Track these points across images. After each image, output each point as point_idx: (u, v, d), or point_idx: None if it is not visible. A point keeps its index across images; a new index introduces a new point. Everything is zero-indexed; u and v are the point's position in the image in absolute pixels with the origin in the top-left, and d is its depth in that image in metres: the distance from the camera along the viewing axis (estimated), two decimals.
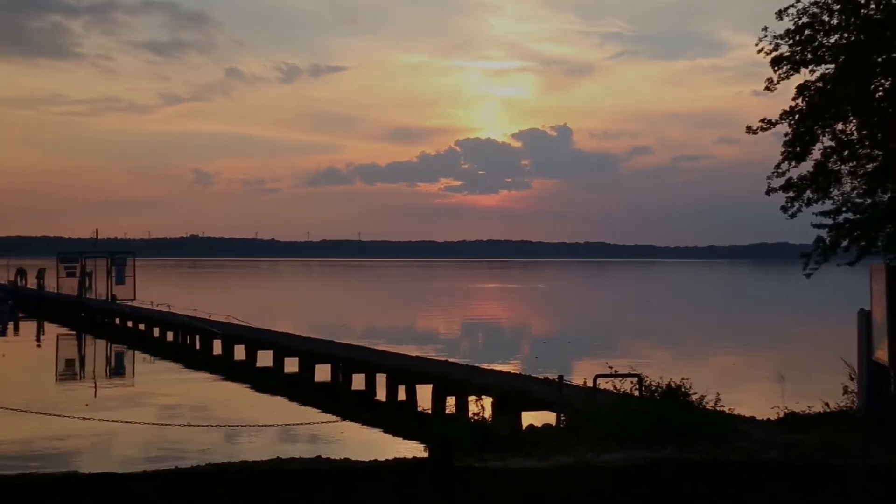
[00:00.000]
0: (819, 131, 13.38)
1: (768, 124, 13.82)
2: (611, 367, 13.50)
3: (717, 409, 11.72)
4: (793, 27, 13.29)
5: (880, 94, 12.75)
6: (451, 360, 24.79)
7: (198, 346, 33.86)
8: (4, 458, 15.69)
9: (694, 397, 11.60)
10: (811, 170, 13.50)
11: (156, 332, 39.32)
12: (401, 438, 18.52)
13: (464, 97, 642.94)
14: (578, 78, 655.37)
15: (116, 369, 32.80)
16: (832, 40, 13.14)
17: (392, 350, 27.24)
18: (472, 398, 15.49)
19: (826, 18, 13.09)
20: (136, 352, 35.98)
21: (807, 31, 13.19)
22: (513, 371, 22.54)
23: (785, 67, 13.53)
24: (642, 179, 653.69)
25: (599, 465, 9.47)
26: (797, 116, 13.45)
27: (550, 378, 17.76)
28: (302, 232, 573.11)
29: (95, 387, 26.82)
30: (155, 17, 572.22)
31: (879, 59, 12.54)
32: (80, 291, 52.24)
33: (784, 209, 13.71)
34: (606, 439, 10.77)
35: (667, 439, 10.41)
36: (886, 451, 9.93)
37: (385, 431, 19.63)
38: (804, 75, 13.52)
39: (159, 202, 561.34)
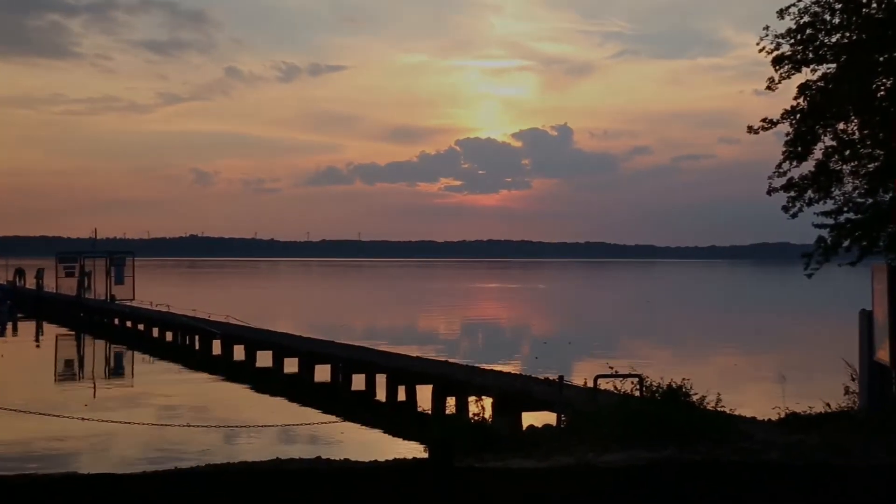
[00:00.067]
0: (820, 131, 13.35)
1: (769, 124, 13.79)
2: (611, 368, 13.47)
3: (718, 409, 11.71)
4: (794, 26, 13.26)
5: (882, 93, 12.72)
6: (451, 360, 24.75)
7: (197, 347, 33.81)
8: (3, 459, 15.64)
9: (695, 398, 11.59)
10: (812, 169, 13.47)
11: (155, 332, 39.27)
12: (401, 439, 18.50)
13: (464, 97, 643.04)
14: (579, 77, 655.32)
15: (115, 370, 32.75)
16: (834, 39, 13.12)
17: (392, 350, 27.20)
18: (472, 399, 15.46)
19: (827, 17, 13.07)
20: (135, 352, 35.93)
21: (808, 31, 13.16)
22: (513, 371, 22.52)
23: (786, 67, 13.50)
24: (643, 179, 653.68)
25: (600, 466, 9.44)
26: (798, 116, 13.42)
27: (551, 378, 17.74)
28: (301, 232, 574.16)
29: (94, 387, 26.78)
30: (154, 16, 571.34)
31: (881, 59, 12.52)
32: (78, 291, 52.17)
33: (785, 209, 13.68)
34: (607, 440, 10.75)
35: (668, 440, 10.39)
36: (888, 452, 9.90)
37: (385, 432, 19.59)
38: (805, 74, 13.52)
39: (158, 202, 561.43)
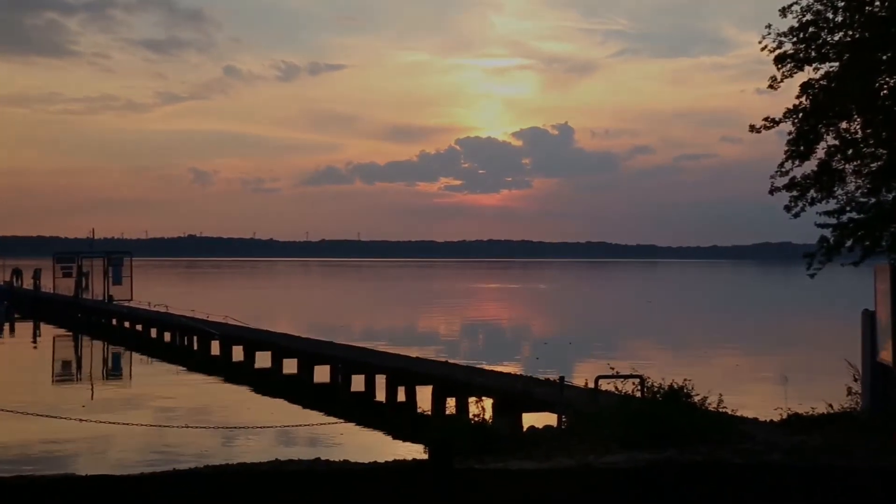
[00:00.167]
0: (823, 130, 13.26)
1: (772, 123, 13.70)
2: (612, 368, 13.44)
3: (720, 410, 11.70)
4: (797, 24, 13.17)
5: (885, 92, 12.64)
6: (451, 361, 24.68)
7: (195, 347, 33.76)
8: (1, 461, 15.57)
9: (696, 398, 11.57)
10: (815, 169, 13.37)
11: (153, 332, 39.23)
12: (401, 440, 18.47)
13: (464, 96, 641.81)
14: (580, 76, 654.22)
15: (113, 370, 32.72)
16: (836, 38, 13.03)
17: (392, 351, 27.17)
18: (472, 399, 15.38)
19: (830, 16, 12.98)
20: (133, 353, 35.91)
21: (811, 29, 13.07)
22: (513, 372, 22.47)
23: (789, 65, 13.41)
24: (644, 178, 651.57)
25: (601, 467, 9.41)
26: (801, 115, 13.33)
27: (551, 379, 17.69)
28: (301, 232, 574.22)
29: (92, 388, 26.75)
30: (152, 14, 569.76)
31: (884, 57, 12.44)
32: (76, 292, 52.15)
33: (787, 209, 13.59)
34: (608, 441, 10.71)
35: (669, 441, 10.35)
36: (890, 453, 9.84)
37: (385, 433, 19.55)
38: (808, 73, 13.41)
39: (156, 202, 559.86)
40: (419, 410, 21.20)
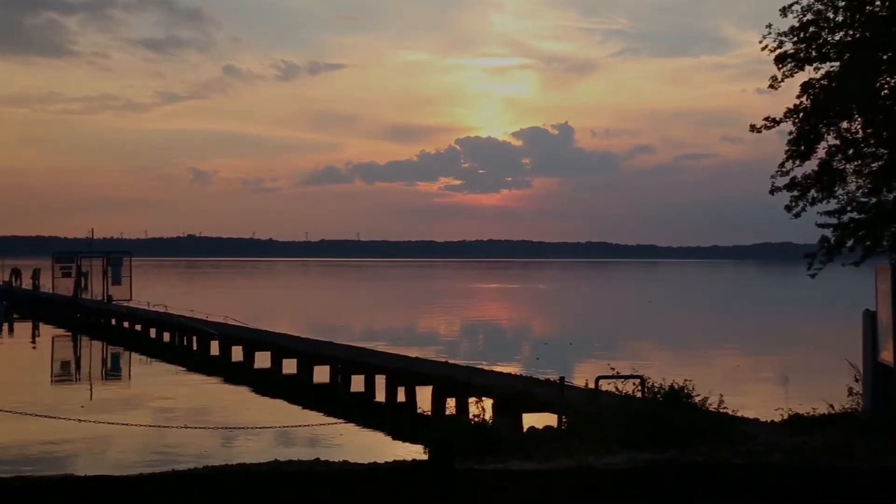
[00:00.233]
0: (824, 130, 13.25)
1: (772, 123, 13.70)
2: (613, 369, 13.41)
3: (721, 410, 11.68)
4: (797, 24, 13.17)
5: (886, 91, 12.64)
6: (451, 361, 24.65)
7: (195, 348, 33.72)
8: (0, 462, 15.52)
9: (697, 399, 11.54)
10: (816, 168, 13.37)
11: (152, 333, 39.18)
12: (400, 441, 18.44)
13: (464, 95, 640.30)
14: (580, 76, 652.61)
15: (112, 371, 32.69)
16: (837, 37, 13.03)
17: (391, 351, 27.13)
18: (472, 400, 15.32)
19: (831, 15, 12.98)
20: (132, 353, 35.87)
21: (811, 29, 13.07)
22: (514, 372, 22.43)
23: (789, 65, 13.40)
24: (644, 178, 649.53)
25: (601, 468, 9.39)
26: (801, 115, 13.33)
27: (552, 379, 17.66)
28: (300, 232, 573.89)
29: (91, 389, 26.72)
30: (151, 14, 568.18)
31: (885, 57, 12.44)
32: (75, 292, 52.11)
33: (788, 208, 13.58)
34: (608, 441, 10.69)
35: (670, 441, 10.33)
36: (892, 454, 9.81)
37: (385, 434, 19.52)
38: (809, 73, 13.41)
39: (156, 201, 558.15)
40: (419, 411, 21.17)
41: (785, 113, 13.49)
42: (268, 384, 26.57)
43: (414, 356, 25.27)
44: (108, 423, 15.72)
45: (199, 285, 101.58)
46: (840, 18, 12.93)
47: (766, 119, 13.81)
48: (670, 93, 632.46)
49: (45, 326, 46.90)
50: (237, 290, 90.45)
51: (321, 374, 25.74)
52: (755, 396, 21.50)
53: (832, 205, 13.28)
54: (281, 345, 28.85)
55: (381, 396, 22.98)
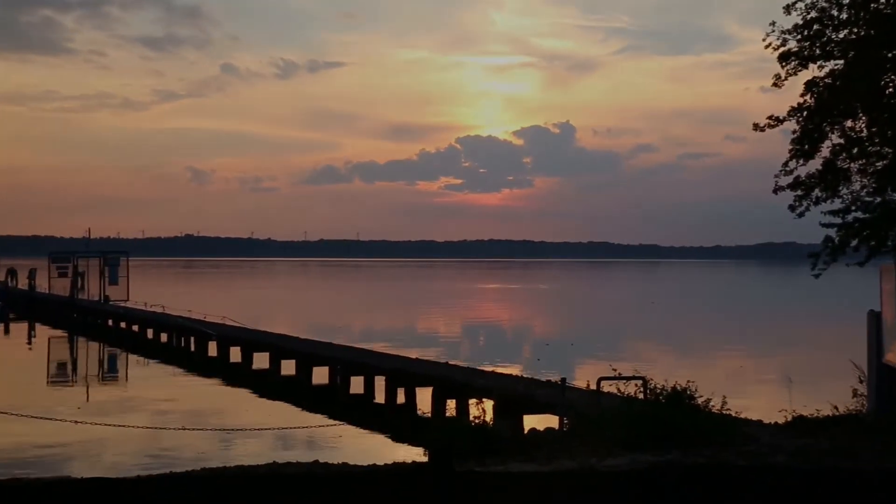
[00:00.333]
0: (828, 128, 13.18)
1: (776, 121, 13.62)
2: (614, 370, 13.34)
3: (724, 412, 11.65)
4: (801, 22, 13.09)
5: (890, 90, 12.58)
6: (451, 362, 24.62)
7: (193, 348, 33.69)
8: None
9: (700, 400, 11.51)
10: (819, 168, 13.29)
11: (149, 333, 39.12)
12: (400, 442, 18.40)
13: (464, 94, 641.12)
14: (581, 74, 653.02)
15: (109, 372, 32.63)
16: (841, 35, 12.95)
17: (391, 352, 27.09)
18: (472, 401, 15.23)
19: (835, 13, 12.90)
20: (129, 354, 35.76)
21: (815, 26, 12.98)
22: (514, 373, 22.41)
23: (793, 63, 13.31)
24: (646, 178, 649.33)
25: (603, 470, 9.34)
26: (805, 113, 13.25)
27: (553, 381, 17.59)
28: (299, 231, 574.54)
29: (88, 390, 26.63)
30: (148, 11, 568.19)
31: (890, 55, 12.37)
32: (72, 292, 52.04)
33: (792, 208, 13.50)
34: (610, 443, 10.63)
35: (672, 443, 10.28)
36: None
37: (384, 435, 19.46)
38: (812, 71, 13.34)
39: (153, 201, 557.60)
40: (419, 412, 21.11)
41: (788, 111, 13.42)
42: (266, 385, 26.51)
43: (414, 357, 25.21)
44: (105, 424, 15.65)
45: (196, 285, 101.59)
46: (844, 16, 12.85)
47: (770, 118, 13.74)
48: (673, 91, 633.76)
49: (41, 327, 46.81)
50: (235, 291, 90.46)
51: (320, 375, 25.68)
52: (758, 398, 21.42)
53: (836, 204, 13.22)
54: (279, 345, 28.79)
55: (380, 398, 22.91)
